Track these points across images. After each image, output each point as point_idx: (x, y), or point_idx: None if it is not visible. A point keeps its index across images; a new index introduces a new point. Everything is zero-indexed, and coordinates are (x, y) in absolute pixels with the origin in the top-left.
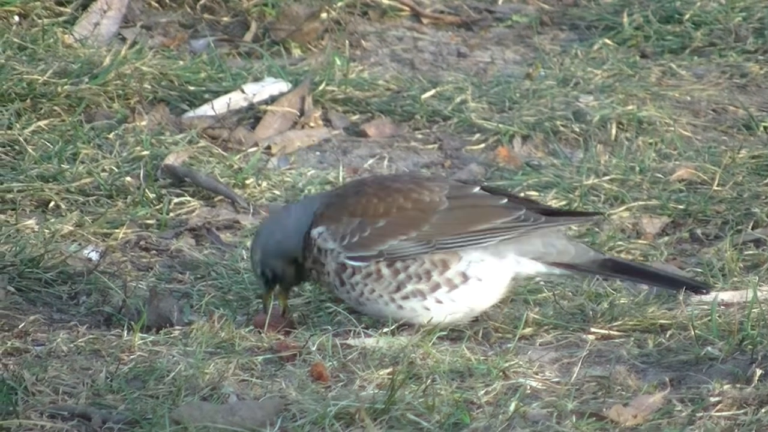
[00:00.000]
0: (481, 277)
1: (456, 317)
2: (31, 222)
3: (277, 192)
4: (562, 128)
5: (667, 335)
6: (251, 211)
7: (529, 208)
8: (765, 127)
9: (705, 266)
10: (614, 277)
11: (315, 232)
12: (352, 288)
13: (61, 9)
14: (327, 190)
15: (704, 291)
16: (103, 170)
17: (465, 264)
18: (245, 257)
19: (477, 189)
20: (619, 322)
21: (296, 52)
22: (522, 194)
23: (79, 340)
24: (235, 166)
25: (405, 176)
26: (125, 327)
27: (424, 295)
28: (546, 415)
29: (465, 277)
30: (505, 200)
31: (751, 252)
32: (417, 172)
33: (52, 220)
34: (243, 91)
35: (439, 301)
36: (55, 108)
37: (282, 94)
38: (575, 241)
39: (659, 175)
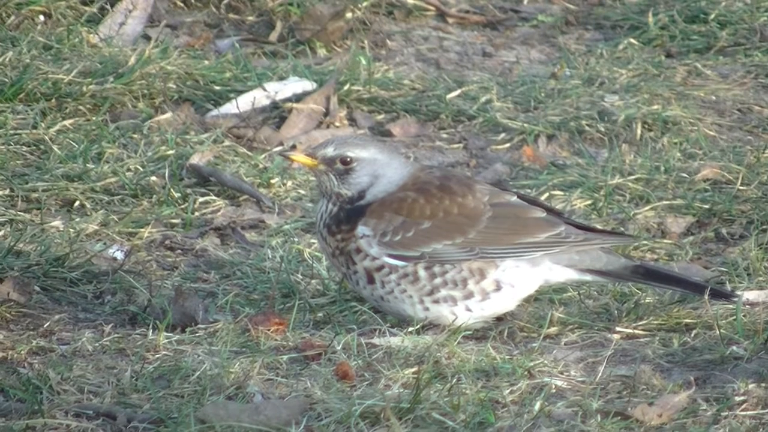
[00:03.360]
0: (514, 284)
1: (478, 323)
2: (56, 221)
3: (302, 191)
4: (587, 128)
5: (692, 335)
6: (276, 210)
7: (566, 223)
8: None
9: (730, 266)
10: (646, 284)
11: (361, 230)
12: (382, 285)
13: (86, 9)
14: (422, 167)
15: (733, 299)
16: (128, 170)
17: (500, 272)
18: (270, 256)
19: (514, 197)
20: (644, 322)
21: (321, 51)
22: (548, 199)
23: (104, 339)
24: (260, 166)
25: (454, 176)
26: (150, 326)
27: (456, 301)
28: (571, 414)
29: (498, 286)
30: (544, 213)
31: None
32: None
33: (77, 219)
34: (264, 89)
35: (468, 309)
36: (80, 107)
37: (306, 93)
38: (607, 248)
39: (684, 175)
